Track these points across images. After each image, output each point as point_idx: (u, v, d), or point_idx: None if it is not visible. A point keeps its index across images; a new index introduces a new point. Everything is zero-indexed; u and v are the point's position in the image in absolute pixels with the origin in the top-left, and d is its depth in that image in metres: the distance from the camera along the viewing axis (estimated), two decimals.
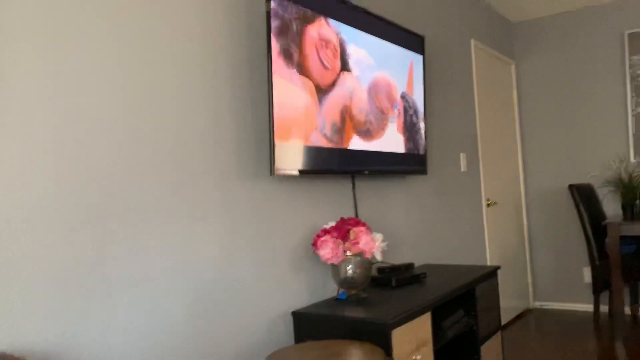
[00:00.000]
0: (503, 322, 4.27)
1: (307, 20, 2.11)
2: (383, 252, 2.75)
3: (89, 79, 1.51)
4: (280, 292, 2.10)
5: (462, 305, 2.56)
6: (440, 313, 2.43)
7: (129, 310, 1.56)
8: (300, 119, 2.06)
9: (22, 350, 1.31)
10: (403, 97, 2.77)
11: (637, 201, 3.88)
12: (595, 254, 4.05)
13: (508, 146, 4.65)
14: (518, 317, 4.54)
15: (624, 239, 4.12)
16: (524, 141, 4.89)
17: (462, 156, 3.76)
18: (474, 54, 4.06)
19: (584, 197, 4.16)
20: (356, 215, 2.58)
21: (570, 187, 4.13)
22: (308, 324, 2.04)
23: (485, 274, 2.64)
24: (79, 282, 1.44)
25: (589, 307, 4.60)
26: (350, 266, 2.13)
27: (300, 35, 2.07)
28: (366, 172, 2.45)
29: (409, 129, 2.82)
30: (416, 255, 3.09)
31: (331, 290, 2.38)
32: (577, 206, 4.09)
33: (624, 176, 4.35)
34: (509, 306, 4.37)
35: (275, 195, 2.11)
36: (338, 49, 2.28)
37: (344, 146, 2.31)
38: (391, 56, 2.68)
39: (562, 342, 3.76)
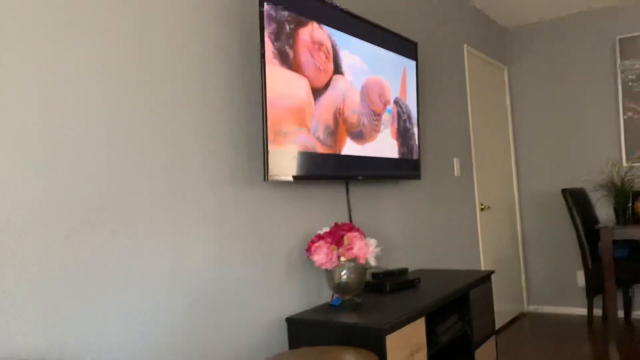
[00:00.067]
0: (497, 326, 4.27)
1: (300, 24, 2.12)
2: (377, 258, 2.75)
3: (85, 82, 1.50)
4: (274, 298, 2.10)
5: (456, 310, 2.57)
6: (434, 318, 2.43)
7: (124, 313, 1.55)
8: (293, 122, 2.06)
9: (19, 351, 1.30)
10: (397, 102, 2.78)
11: (630, 205, 3.90)
12: (589, 257, 4.07)
13: (501, 151, 4.67)
14: (512, 321, 4.54)
15: (616, 242, 4.14)
16: (517, 146, 4.92)
17: (456, 161, 3.78)
18: (467, 60, 4.08)
19: (577, 201, 4.18)
20: (350, 220, 2.58)
21: (563, 191, 4.15)
22: (302, 330, 2.04)
23: (479, 278, 2.64)
24: (75, 284, 1.43)
25: (583, 311, 4.62)
26: (344, 272, 2.13)
27: (293, 37, 2.07)
28: (360, 177, 2.46)
29: (403, 134, 2.83)
30: (410, 260, 3.10)
31: (325, 295, 2.38)
32: (570, 210, 4.11)
33: (617, 180, 4.38)
34: (503, 310, 4.38)
35: (269, 200, 2.12)
36: (331, 52, 2.29)
37: (337, 151, 2.31)
38: (384, 62, 2.69)
39: (556, 346, 3.77)
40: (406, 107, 2.88)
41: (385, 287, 2.39)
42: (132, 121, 1.63)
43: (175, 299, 1.72)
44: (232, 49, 2.00)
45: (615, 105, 4.46)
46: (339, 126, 2.33)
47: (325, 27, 2.26)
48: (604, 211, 4.52)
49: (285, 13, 2.04)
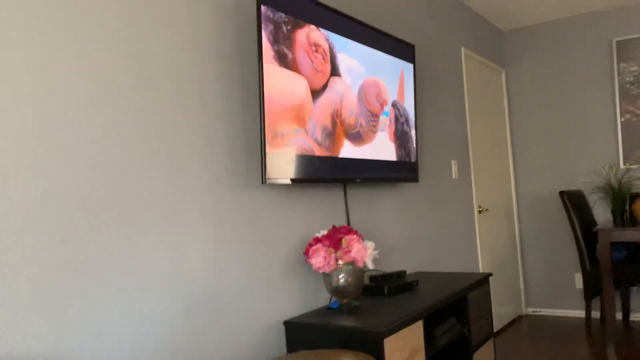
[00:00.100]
0: (495, 328, 4.27)
1: (297, 25, 2.12)
2: (375, 260, 2.75)
3: (82, 83, 1.50)
4: (272, 301, 2.09)
5: (454, 312, 2.56)
6: (432, 321, 2.42)
7: (123, 314, 1.55)
8: (291, 122, 2.06)
9: (18, 352, 1.29)
10: (394, 105, 2.78)
11: (627, 207, 3.90)
12: (587, 260, 4.07)
13: (499, 153, 4.68)
14: (510, 323, 4.54)
15: (614, 244, 4.14)
16: (514, 148, 4.92)
17: (454, 163, 3.78)
18: (465, 62, 4.08)
19: (574, 203, 4.18)
20: (348, 223, 2.57)
21: (561, 193, 4.15)
22: (300, 334, 2.03)
23: (477, 281, 2.64)
24: (74, 285, 1.42)
25: (581, 313, 4.62)
26: (342, 275, 2.12)
27: (290, 38, 2.07)
28: (358, 180, 2.45)
29: (401, 137, 2.83)
30: (408, 262, 3.09)
31: (323, 299, 2.37)
32: (568, 212, 4.11)
33: (614, 182, 4.38)
34: (501, 313, 4.37)
35: (266, 203, 2.11)
36: (328, 54, 2.28)
37: (335, 153, 2.31)
38: (382, 65, 2.69)
39: (554, 348, 3.76)
40: (404, 109, 2.88)
41: (383, 290, 2.38)
42: (130, 123, 1.63)
43: (173, 301, 1.71)
44: (229, 50, 2.00)
45: (613, 108, 4.47)
46: (337, 127, 2.32)
47: (322, 30, 2.25)
48: (602, 213, 4.53)
49: (282, 15, 2.04)
